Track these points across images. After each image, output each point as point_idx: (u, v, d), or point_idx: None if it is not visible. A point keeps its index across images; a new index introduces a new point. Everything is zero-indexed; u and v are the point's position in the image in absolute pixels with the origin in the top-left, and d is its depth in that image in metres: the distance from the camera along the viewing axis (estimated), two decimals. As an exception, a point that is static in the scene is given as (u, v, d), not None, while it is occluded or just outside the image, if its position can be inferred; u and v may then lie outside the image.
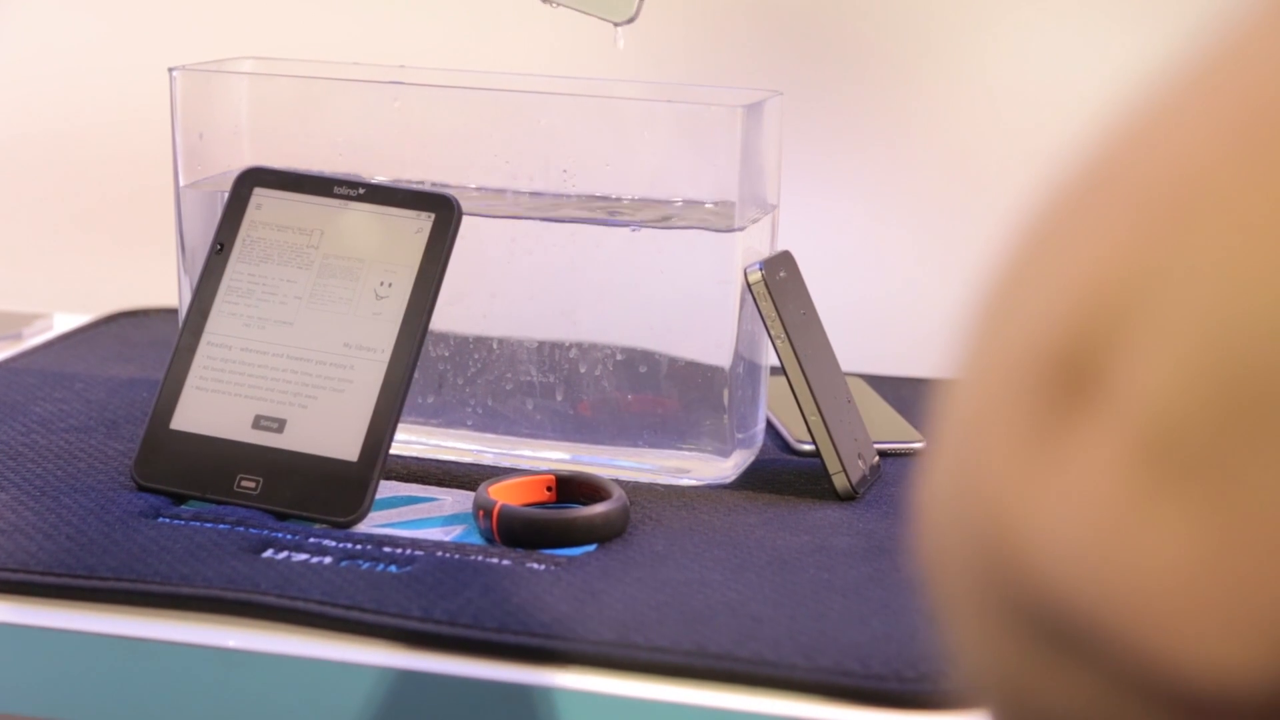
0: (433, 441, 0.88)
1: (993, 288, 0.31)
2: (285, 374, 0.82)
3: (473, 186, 0.90)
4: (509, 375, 0.87)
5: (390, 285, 0.83)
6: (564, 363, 0.87)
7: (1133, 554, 0.27)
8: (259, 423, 0.81)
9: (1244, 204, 0.27)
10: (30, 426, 0.89)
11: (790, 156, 0.91)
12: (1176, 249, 0.27)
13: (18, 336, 1.10)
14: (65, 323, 1.13)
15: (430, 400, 0.89)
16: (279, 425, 0.81)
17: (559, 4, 0.86)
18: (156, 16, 1.17)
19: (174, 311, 1.04)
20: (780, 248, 0.88)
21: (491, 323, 0.88)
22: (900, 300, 1.09)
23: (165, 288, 1.08)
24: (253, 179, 0.86)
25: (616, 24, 0.85)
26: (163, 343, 1.06)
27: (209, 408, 0.82)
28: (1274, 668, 0.26)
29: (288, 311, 0.83)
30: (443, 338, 0.88)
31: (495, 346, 0.88)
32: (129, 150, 1.17)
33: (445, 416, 0.89)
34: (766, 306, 0.83)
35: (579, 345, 0.86)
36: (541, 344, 0.87)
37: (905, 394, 1.02)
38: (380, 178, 0.89)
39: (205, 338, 0.83)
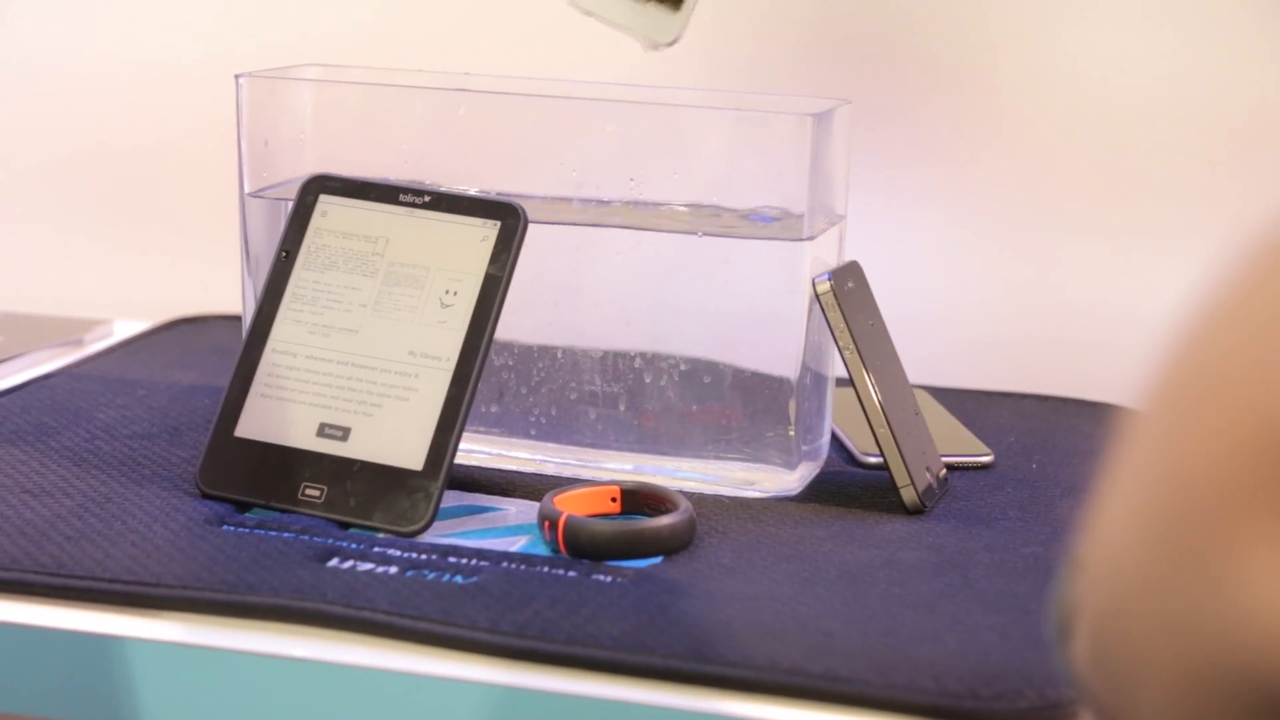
0: (496, 451, 0.88)
1: (1208, 347, 0.29)
2: (350, 382, 0.82)
3: (538, 195, 0.89)
4: (573, 385, 0.87)
5: (455, 294, 0.82)
6: (628, 372, 0.86)
7: None
8: (323, 430, 0.81)
9: None
10: (94, 433, 0.89)
11: (859, 166, 0.90)
12: None
13: (79, 342, 1.10)
14: (126, 329, 1.14)
15: (494, 409, 0.88)
16: (344, 433, 0.80)
17: (602, 20, 0.85)
18: (224, 23, 1.17)
19: (235, 318, 1.05)
20: (848, 258, 0.87)
21: (555, 331, 0.87)
22: (968, 312, 1.08)
23: (225, 295, 1.08)
24: (318, 186, 0.86)
25: (660, 46, 0.85)
26: (223, 349, 1.06)
27: (273, 415, 0.82)
28: None
29: (353, 319, 0.83)
30: (506, 346, 0.87)
31: (559, 356, 0.87)
32: (192, 157, 1.17)
33: (508, 426, 0.88)
34: (835, 317, 0.82)
35: (643, 355, 0.86)
36: (606, 353, 0.86)
37: (970, 406, 1.01)
38: (446, 186, 0.89)
39: (270, 345, 0.83)
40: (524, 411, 0.88)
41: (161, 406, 0.95)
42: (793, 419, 0.84)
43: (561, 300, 0.87)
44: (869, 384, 0.82)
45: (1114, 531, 0.31)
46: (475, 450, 0.87)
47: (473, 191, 0.88)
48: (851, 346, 0.81)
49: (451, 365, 0.81)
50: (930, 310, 1.08)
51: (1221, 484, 0.28)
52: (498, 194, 0.89)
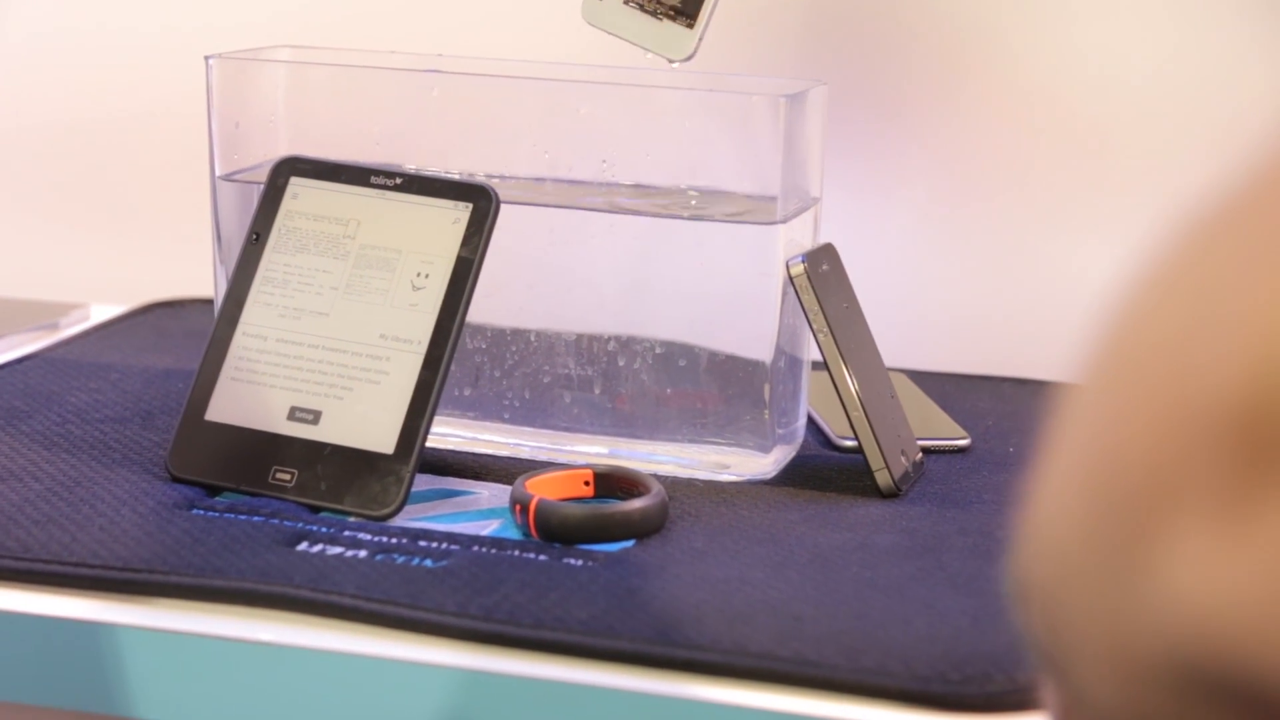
0: (469, 434, 0.87)
1: (1141, 325, 0.29)
2: (321, 365, 0.81)
3: (511, 176, 0.88)
4: (546, 368, 0.86)
5: (427, 276, 0.82)
6: (602, 356, 0.86)
7: None
8: (294, 414, 0.80)
9: None
10: (66, 417, 0.89)
11: (835, 148, 0.90)
12: None
13: (54, 326, 1.09)
14: (101, 313, 1.13)
15: (467, 393, 0.88)
16: (314, 417, 0.80)
17: (619, 37, 0.85)
18: (193, 4, 1.16)
19: (210, 302, 1.04)
20: (823, 240, 0.86)
21: (529, 315, 0.87)
22: (945, 295, 1.08)
23: (201, 279, 1.07)
24: (289, 168, 0.85)
25: (674, 61, 0.85)
26: (198, 333, 1.05)
27: (244, 399, 0.81)
28: None
29: (323, 302, 0.82)
30: (480, 330, 0.87)
31: (533, 339, 0.87)
32: (165, 140, 1.17)
33: (482, 409, 0.88)
34: (809, 300, 0.81)
35: (617, 338, 0.85)
36: (580, 336, 0.86)
37: (949, 390, 1.01)
38: (418, 167, 0.88)
39: (240, 328, 0.83)
40: (497, 395, 0.87)
41: (135, 390, 0.94)
42: (767, 402, 0.83)
43: (535, 283, 0.87)
44: (843, 367, 0.81)
45: (1052, 510, 0.31)
46: (448, 434, 0.87)
47: (445, 173, 0.87)
48: (826, 329, 0.81)
49: (423, 348, 0.80)
50: (907, 293, 1.07)
51: (1152, 468, 0.28)
52: (471, 175, 0.88)
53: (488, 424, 0.88)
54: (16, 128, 1.20)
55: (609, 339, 0.85)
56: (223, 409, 0.81)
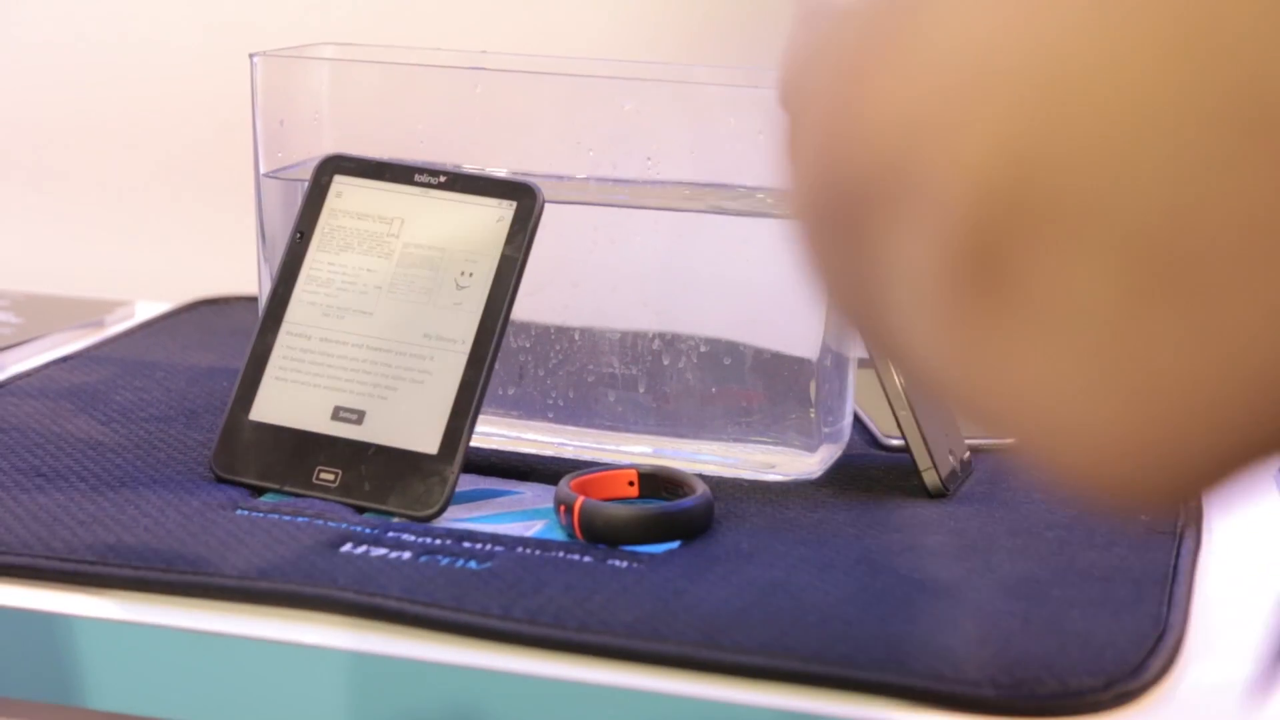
0: (513, 434, 0.87)
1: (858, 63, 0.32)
2: (365, 365, 0.81)
3: (556, 174, 0.88)
4: (591, 367, 0.86)
5: (471, 275, 0.81)
6: (647, 354, 0.85)
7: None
8: (338, 414, 0.80)
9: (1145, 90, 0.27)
10: (111, 415, 0.89)
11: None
12: (1071, 140, 0.28)
13: (100, 324, 1.10)
14: (147, 310, 1.13)
15: (511, 392, 0.87)
16: (358, 417, 0.80)
17: None
18: (238, 2, 1.16)
19: (255, 300, 1.04)
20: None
21: (573, 313, 0.86)
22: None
23: (247, 276, 1.07)
24: (333, 166, 0.85)
25: None
26: (244, 331, 1.05)
27: (288, 398, 0.81)
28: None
29: (368, 301, 0.82)
30: (524, 328, 0.86)
31: (577, 337, 0.86)
32: (209, 137, 1.17)
33: (526, 408, 0.87)
34: (855, 298, 0.80)
35: (662, 336, 0.85)
36: (624, 335, 0.85)
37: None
38: (462, 164, 0.88)
39: (285, 327, 0.82)
40: (541, 394, 0.87)
41: (179, 389, 0.94)
42: (813, 401, 0.82)
43: (579, 280, 0.86)
44: (890, 364, 0.80)
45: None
46: (492, 433, 0.86)
47: (489, 171, 0.87)
48: (872, 327, 0.80)
49: (467, 348, 0.80)
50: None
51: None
52: (515, 173, 0.88)
53: (532, 423, 0.87)
54: (62, 128, 1.21)
55: (653, 337, 0.85)
56: (267, 409, 0.81)
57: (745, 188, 0.85)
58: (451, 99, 0.90)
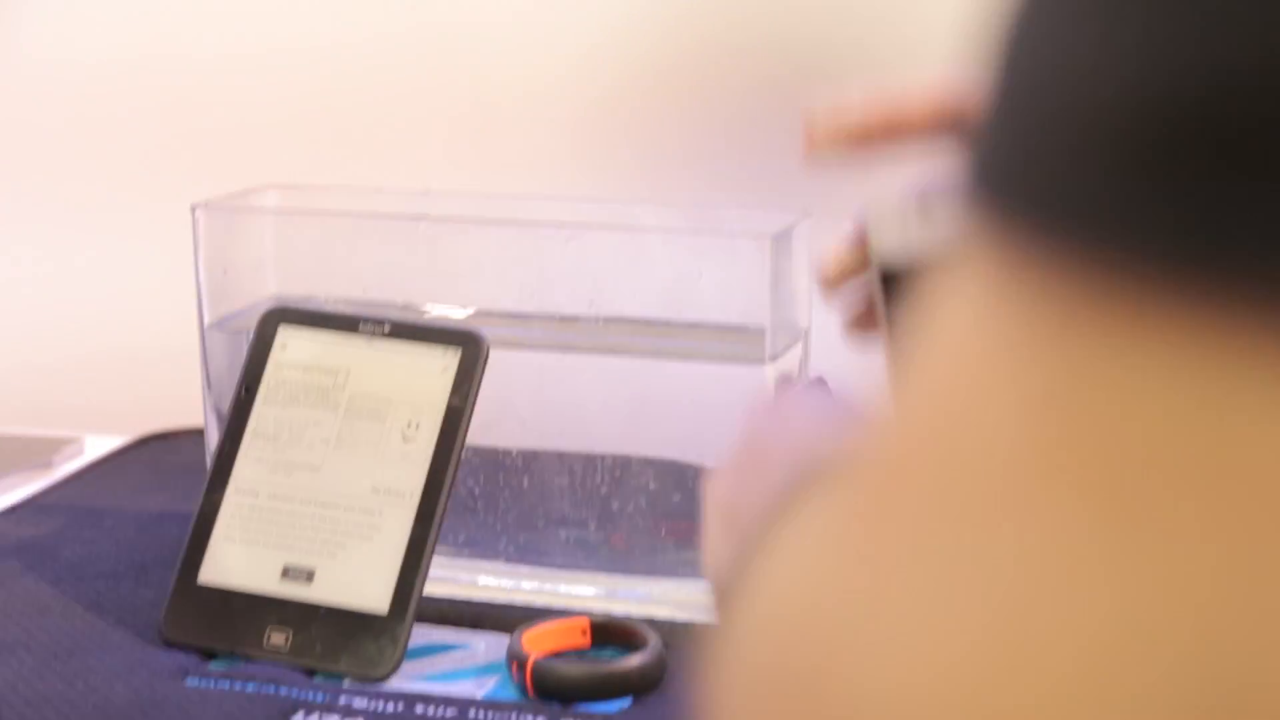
0: (465, 577, 0.87)
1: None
2: (313, 521, 0.80)
3: (500, 312, 0.88)
4: (540, 508, 0.86)
5: (417, 426, 0.81)
6: (596, 493, 0.85)
7: None
8: (288, 573, 0.79)
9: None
10: (60, 574, 0.88)
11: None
12: None
13: (48, 464, 1.09)
14: (96, 446, 1.12)
15: (461, 537, 0.87)
16: (308, 575, 0.79)
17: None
18: (177, 150, 1.16)
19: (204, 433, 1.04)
20: (813, 374, 0.86)
21: (520, 453, 0.86)
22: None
23: (198, 409, 1.07)
24: (277, 318, 0.85)
25: None
26: (195, 468, 1.04)
27: (237, 559, 0.80)
28: None
29: (315, 456, 0.82)
30: (472, 471, 0.86)
31: (525, 481, 0.86)
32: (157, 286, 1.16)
33: (477, 548, 0.87)
34: (803, 438, 0.80)
35: (611, 475, 0.85)
36: (573, 473, 0.85)
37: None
38: (407, 304, 0.88)
39: (232, 485, 0.82)
40: (493, 535, 0.86)
41: (129, 539, 0.94)
42: (765, 539, 0.82)
43: (526, 419, 0.86)
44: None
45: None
46: (444, 577, 0.86)
47: (433, 316, 0.87)
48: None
49: (415, 501, 0.80)
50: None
51: None
52: (461, 313, 0.88)
53: (482, 563, 0.87)
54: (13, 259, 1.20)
55: (602, 477, 0.85)
56: (215, 571, 0.80)
57: (688, 324, 0.85)
58: (396, 238, 0.90)
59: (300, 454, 0.82)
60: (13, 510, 0.99)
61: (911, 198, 0.58)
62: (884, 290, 0.59)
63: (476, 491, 0.86)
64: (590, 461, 0.85)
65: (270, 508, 0.81)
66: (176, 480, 1.04)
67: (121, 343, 1.20)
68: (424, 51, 1.11)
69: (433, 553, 0.78)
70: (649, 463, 0.85)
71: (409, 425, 0.81)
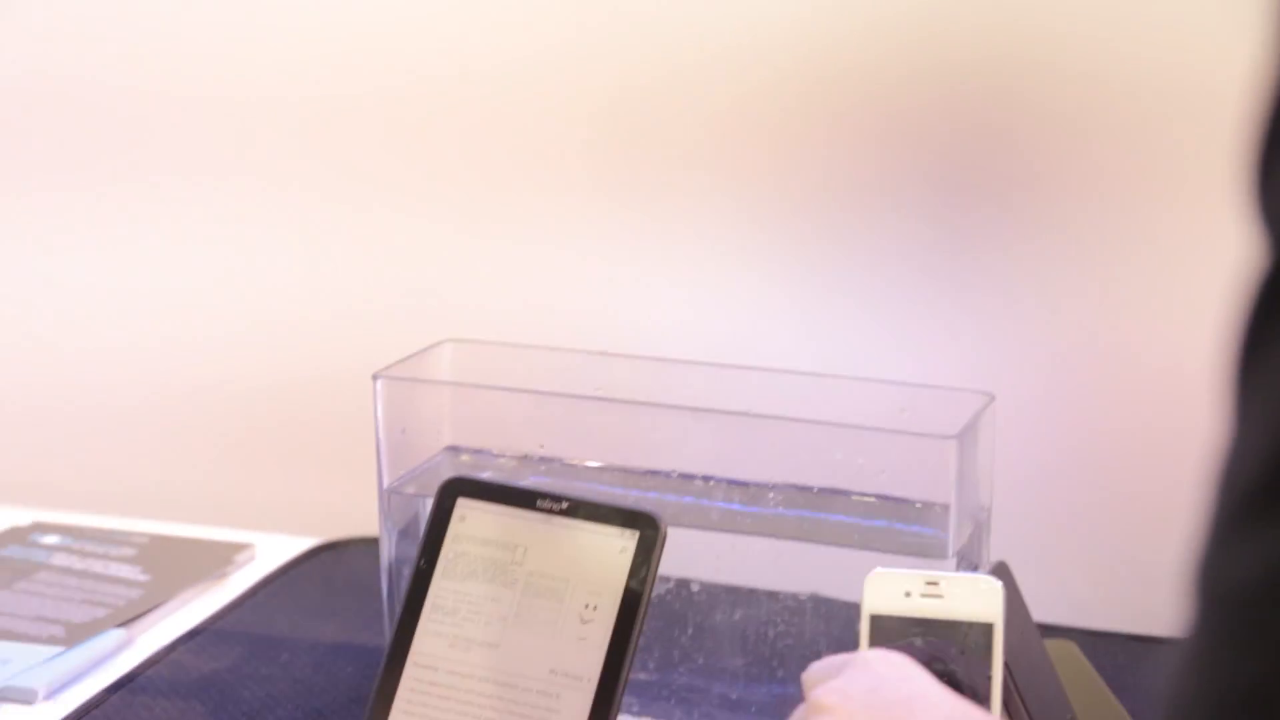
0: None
1: None
2: (492, 700, 0.81)
3: (678, 471, 0.88)
4: (715, 667, 0.86)
5: (595, 609, 0.81)
6: (776, 666, 0.85)
7: None
8: (466, 753, 0.80)
9: None
10: (240, 722, 0.90)
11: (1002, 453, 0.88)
12: None
13: (223, 574, 1.11)
14: (267, 553, 1.14)
15: (635, 703, 0.87)
16: (487, 757, 0.80)
17: None
18: (361, 300, 1.18)
19: (373, 541, 1.06)
20: (995, 557, 0.85)
21: (697, 629, 0.86)
22: (1107, 544, 1.05)
23: (366, 515, 1.08)
24: (455, 489, 0.86)
25: None
26: (363, 586, 1.07)
27: (417, 736, 0.81)
28: None
29: (493, 633, 0.83)
30: (646, 645, 0.86)
31: (701, 657, 0.86)
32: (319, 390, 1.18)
33: (651, 710, 0.87)
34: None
35: (784, 649, 0.84)
36: (746, 641, 0.85)
37: (1121, 662, 0.98)
38: (582, 465, 0.88)
39: (411, 659, 0.83)
40: (668, 699, 0.87)
41: (305, 680, 0.96)
42: None
43: (699, 593, 0.86)
44: (1021, 707, 0.79)
45: None
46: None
47: (610, 497, 0.87)
48: (1005, 676, 0.79)
49: (593, 686, 0.80)
50: (1076, 543, 1.05)
51: None
52: (634, 474, 0.88)
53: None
54: (180, 372, 1.23)
55: (777, 651, 0.85)
56: (396, 747, 0.82)
57: (873, 496, 0.84)
58: (569, 392, 0.90)
59: (478, 630, 0.83)
60: (194, 635, 1.01)
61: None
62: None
63: (651, 668, 0.87)
64: (764, 645, 0.85)
65: (449, 683, 0.82)
66: (347, 601, 1.06)
67: (293, 441, 1.22)
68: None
69: (610, 740, 0.79)
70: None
71: (587, 607, 0.82)
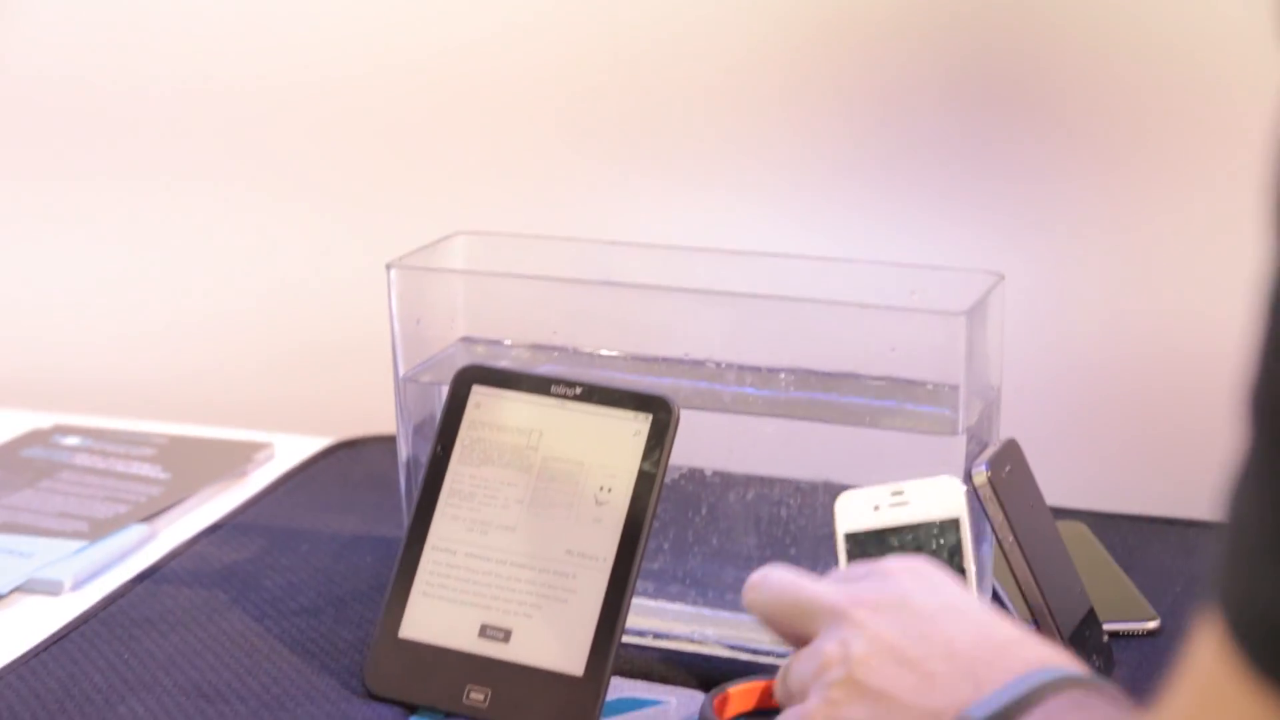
0: (651, 625, 0.88)
1: None
2: (510, 582, 0.83)
3: (688, 358, 0.89)
4: (729, 550, 0.87)
5: (610, 490, 0.83)
6: (785, 549, 0.86)
7: None
8: (485, 632, 0.82)
9: None
10: (262, 609, 0.92)
11: (1011, 333, 0.88)
12: None
13: (243, 473, 1.13)
14: (286, 451, 1.16)
15: (650, 586, 0.89)
16: (505, 635, 0.82)
17: None
18: (374, 206, 1.18)
19: (390, 439, 1.07)
20: (1005, 437, 0.85)
21: (710, 512, 0.87)
22: (1123, 424, 1.06)
23: (380, 412, 1.10)
24: (471, 376, 0.87)
25: None
26: (380, 480, 1.08)
27: (436, 616, 0.83)
28: None
29: (510, 516, 0.84)
30: (661, 529, 0.88)
31: (715, 540, 0.87)
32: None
33: (666, 593, 0.89)
34: (994, 510, 0.81)
35: (797, 532, 0.86)
36: (759, 524, 0.86)
37: (1131, 542, 0.99)
38: (595, 349, 0.89)
39: (430, 542, 0.84)
40: (682, 581, 0.88)
41: (325, 569, 0.97)
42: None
43: (716, 477, 0.87)
44: (1032, 580, 0.81)
45: None
46: (634, 629, 0.88)
47: (624, 380, 0.88)
48: (1011, 539, 0.80)
49: (609, 565, 0.81)
50: (1089, 421, 1.06)
51: None
52: (647, 359, 0.89)
53: (670, 606, 0.89)
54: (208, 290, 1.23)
55: (790, 533, 0.86)
56: (416, 626, 0.83)
57: (881, 379, 0.85)
58: (584, 278, 0.91)
59: (495, 514, 0.84)
60: (216, 529, 1.03)
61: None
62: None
63: (665, 547, 0.88)
64: (776, 523, 0.86)
65: (467, 566, 0.83)
66: (365, 496, 1.08)
67: (308, 340, 1.23)
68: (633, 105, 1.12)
69: (626, 617, 0.80)
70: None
71: (601, 489, 0.83)
